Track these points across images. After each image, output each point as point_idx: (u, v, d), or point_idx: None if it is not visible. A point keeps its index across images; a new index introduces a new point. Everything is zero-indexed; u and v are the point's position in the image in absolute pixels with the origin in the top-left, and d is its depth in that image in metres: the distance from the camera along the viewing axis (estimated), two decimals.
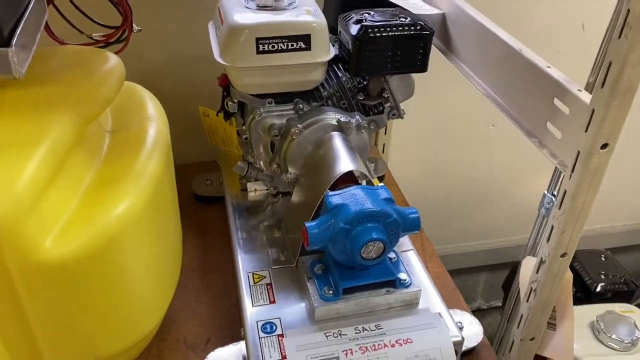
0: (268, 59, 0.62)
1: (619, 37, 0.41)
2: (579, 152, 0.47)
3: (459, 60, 0.69)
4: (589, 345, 0.95)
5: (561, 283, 0.55)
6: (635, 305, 1.07)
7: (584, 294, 1.13)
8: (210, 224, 0.80)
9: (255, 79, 0.64)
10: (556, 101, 0.51)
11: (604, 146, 0.45)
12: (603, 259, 1.17)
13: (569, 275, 0.56)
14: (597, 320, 0.97)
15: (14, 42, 0.41)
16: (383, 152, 1.02)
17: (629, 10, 0.40)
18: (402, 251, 0.65)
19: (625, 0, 0.40)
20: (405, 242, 0.67)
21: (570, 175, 0.48)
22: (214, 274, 0.73)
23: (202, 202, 0.85)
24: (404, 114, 0.73)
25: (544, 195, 0.72)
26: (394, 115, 0.72)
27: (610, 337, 0.95)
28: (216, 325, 0.66)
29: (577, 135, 0.47)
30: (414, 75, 0.72)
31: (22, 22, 0.44)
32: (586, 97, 0.47)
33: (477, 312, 1.48)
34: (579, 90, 0.49)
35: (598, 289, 1.11)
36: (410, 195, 0.91)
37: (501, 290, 1.30)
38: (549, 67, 0.53)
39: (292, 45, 0.62)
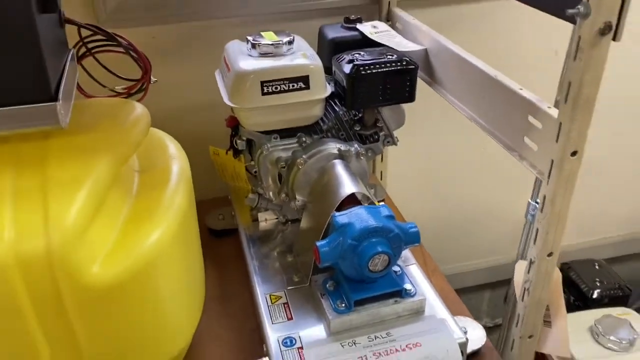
0: (272, 99, 0.68)
1: (574, 59, 0.48)
2: (552, 161, 0.53)
3: (443, 89, 0.76)
4: (590, 348, 0.99)
5: (551, 281, 0.60)
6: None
7: (581, 302, 1.17)
8: (225, 256, 0.84)
9: (261, 117, 0.71)
10: (530, 118, 0.57)
11: (574, 153, 0.52)
12: (597, 267, 1.21)
13: (558, 274, 0.62)
14: (596, 324, 1.01)
15: (60, 96, 0.48)
16: (381, 178, 1.08)
17: (580, 37, 0.47)
18: (405, 265, 0.70)
19: (576, 28, 0.48)
20: (408, 257, 0.72)
21: (548, 181, 0.54)
22: (233, 302, 0.77)
23: (216, 236, 0.89)
24: (398, 141, 0.79)
25: (529, 203, 0.78)
26: (388, 142, 0.79)
27: (609, 339, 0.99)
28: (239, 347, 0.70)
29: (550, 146, 0.53)
30: (404, 105, 0.79)
31: (64, 78, 0.51)
32: (555, 112, 0.54)
33: None
34: (548, 107, 0.55)
35: (595, 296, 1.15)
36: (409, 218, 0.96)
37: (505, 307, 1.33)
38: (521, 89, 0.60)
39: (293, 85, 0.69)
